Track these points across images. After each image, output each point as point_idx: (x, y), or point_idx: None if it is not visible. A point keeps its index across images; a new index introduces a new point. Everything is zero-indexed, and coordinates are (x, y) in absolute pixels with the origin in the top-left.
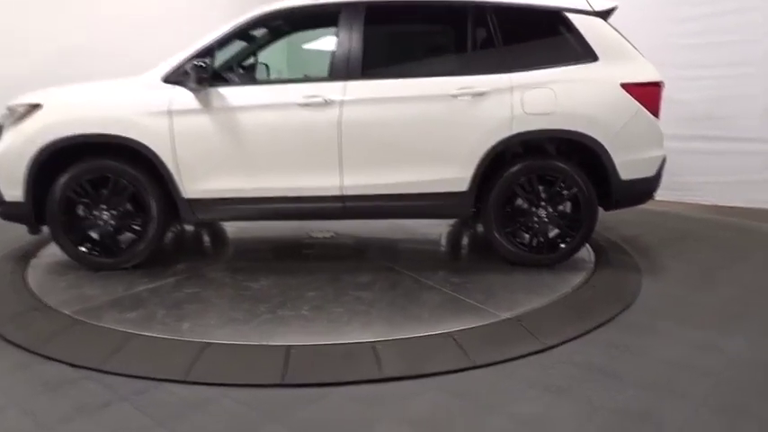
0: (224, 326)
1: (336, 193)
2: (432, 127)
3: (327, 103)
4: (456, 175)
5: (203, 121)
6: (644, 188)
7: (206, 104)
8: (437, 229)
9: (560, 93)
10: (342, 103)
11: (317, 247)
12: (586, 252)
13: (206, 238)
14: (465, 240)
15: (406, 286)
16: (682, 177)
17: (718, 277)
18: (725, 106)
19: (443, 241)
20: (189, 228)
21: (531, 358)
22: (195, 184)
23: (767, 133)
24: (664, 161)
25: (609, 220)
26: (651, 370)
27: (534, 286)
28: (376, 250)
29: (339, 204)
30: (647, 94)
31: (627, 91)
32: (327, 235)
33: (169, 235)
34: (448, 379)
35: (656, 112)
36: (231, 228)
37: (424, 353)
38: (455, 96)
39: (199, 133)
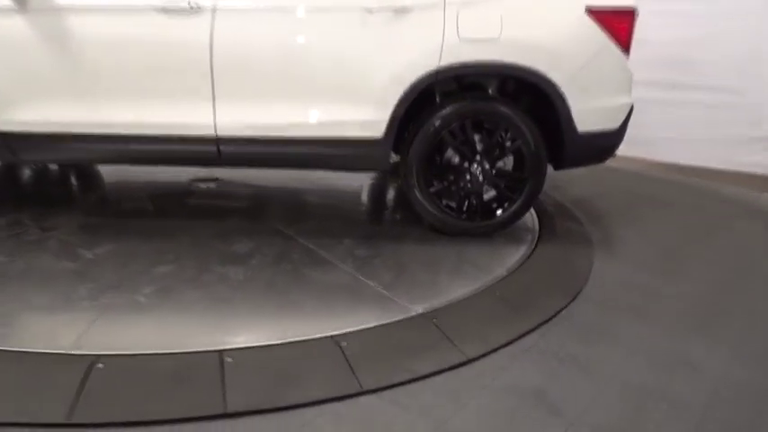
0: (10, 318)
1: (208, 133)
2: (333, 49)
3: (194, 9)
4: (368, 117)
5: (17, 26)
6: (604, 144)
7: (20, 2)
8: (359, 179)
9: (508, 14)
10: (214, 9)
11: (194, 199)
12: (529, 218)
13: (73, 182)
14: (389, 198)
15: (295, 260)
16: (641, 130)
17: (688, 256)
18: (696, 49)
19: (363, 198)
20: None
21: (443, 377)
22: (9, 111)
23: (745, 83)
24: (630, 111)
25: (557, 177)
26: (606, 400)
27: (460, 265)
28: (270, 206)
29: (212, 148)
30: (619, 25)
31: (594, 18)
32: (212, 185)
33: (27, 172)
34: (321, 412)
35: (626, 49)
36: (108, 169)
37: (292, 371)
38: (371, 11)
39: (11, 42)
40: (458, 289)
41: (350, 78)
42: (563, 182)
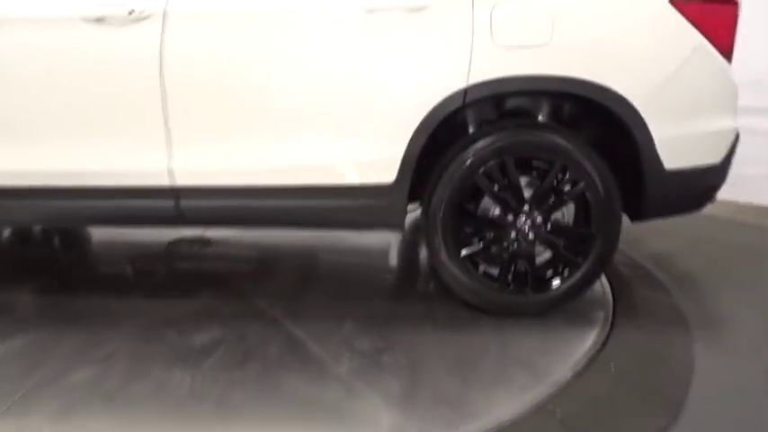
0: None
1: (161, 182)
2: (324, 65)
3: (138, 16)
4: (374, 157)
5: None
6: (702, 184)
7: None
8: (386, 235)
9: (562, 10)
10: (165, 14)
11: (168, 267)
12: (599, 288)
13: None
14: (423, 261)
15: (270, 358)
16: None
17: None
18: None
19: (389, 261)
20: None
21: None
22: None
23: None
24: (736, 139)
25: (629, 228)
26: None
27: (503, 363)
28: (264, 275)
29: (167, 203)
30: (717, 20)
31: (682, 12)
32: (197, 247)
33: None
34: None
35: (728, 53)
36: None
37: None
38: (371, 11)
39: None
40: (499, 406)
41: (348, 104)
42: (636, 233)
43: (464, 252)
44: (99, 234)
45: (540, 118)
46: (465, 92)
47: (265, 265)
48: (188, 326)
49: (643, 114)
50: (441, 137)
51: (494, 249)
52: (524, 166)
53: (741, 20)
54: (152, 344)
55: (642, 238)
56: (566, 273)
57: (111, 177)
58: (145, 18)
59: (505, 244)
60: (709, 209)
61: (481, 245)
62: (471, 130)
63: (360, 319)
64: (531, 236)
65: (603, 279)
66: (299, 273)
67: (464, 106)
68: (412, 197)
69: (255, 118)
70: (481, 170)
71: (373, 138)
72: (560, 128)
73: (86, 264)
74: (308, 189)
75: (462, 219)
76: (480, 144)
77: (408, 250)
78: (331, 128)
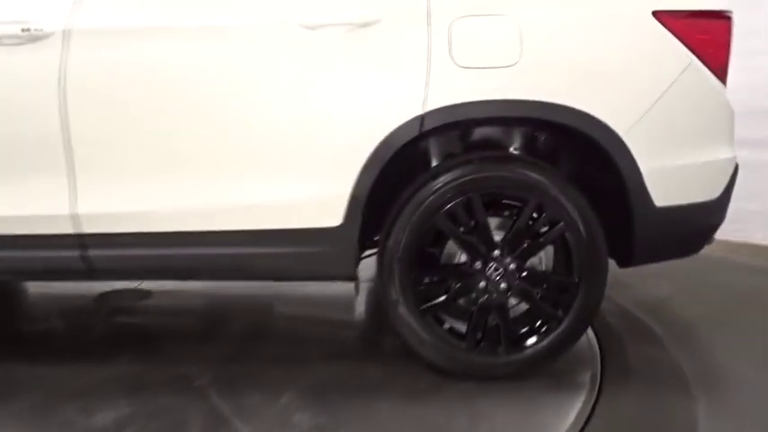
0: None
1: (63, 228)
2: (258, 91)
3: (33, 35)
4: (315, 195)
5: None
6: (698, 223)
7: None
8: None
9: (532, 26)
10: (67, 33)
11: (90, 325)
12: (584, 343)
13: None
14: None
15: None
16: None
17: None
18: None
19: (353, 312)
20: None
21: None
22: None
23: None
24: (735, 171)
25: (620, 271)
26: None
27: None
28: (200, 333)
29: (72, 253)
30: (707, 35)
31: (667, 26)
32: (130, 300)
33: None
34: None
35: (721, 72)
36: None
37: None
38: (311, 28)
39: None
40: None
41: (283, 136)
42: (625, 277)
43: (425, 306)
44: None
45: (512, 150)
46: (421, 119)
47: (207, 321)
48: (93, 400)
49: (628, 143)
50: (399, 172)
51: (460, 302)
52: (494, 206)
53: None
54: (44, 425)
55: (632, 282)
56: (545, 328)
57: (13, 223)
58: (43, 37)
59: (474, 295)
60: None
61: (445, 297)
62: (435, 164)
63: (303, 388)
64: (502, 286)
65: (590, 333)
66: (244, 330)
67: (422, 136)
68: (366, 243)
69: (174, 153)
70: (443, 210)
71: (314, 174)
72: (534, 161)
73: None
74: (238, 234)
75: (423, 266)
76: (441, 180)
77: (373, 301)
78: (264, 163)
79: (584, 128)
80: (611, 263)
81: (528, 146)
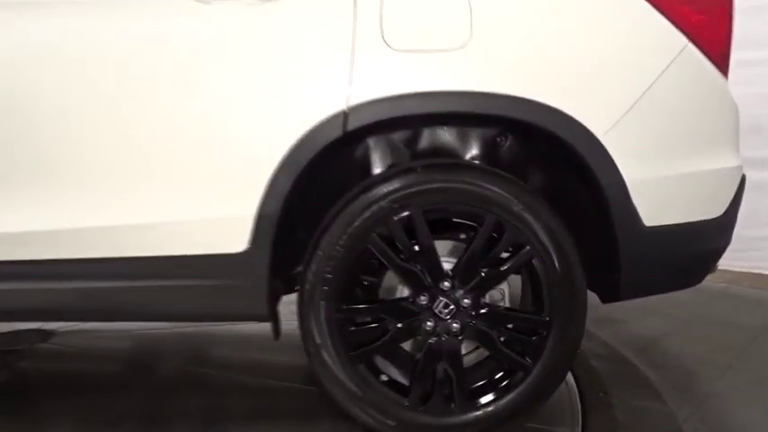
0: None
1: None
2: (134, 85)
3: None
4: (211, 214)
5: None
6: (698, 248)
7: None
8: None
9: (483, 1)
10: None
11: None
12: (563, 393)
13: None
14: None
15: None
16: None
17: None
18: None
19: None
20: None
21: None
22: None
23: None
24: (742, 183)
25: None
26: None
27: None
28: (98, 383)
29: None
30: (706, 16)
31: (655, 5)
32: (30, 342)
33: None
34: None
35: (721, 60)
36: None
37: None
38: (206, 2)
39: None
40: None
41: (167, 137)
42: (613, 311)
43: (355, 353)
44: None
45: (467, 156)
46: (344, 117)
47: (112, 372)
48: None
49: (608, 148)
50: (332, 186)
51: (402, 347)
52: (443, 226)
53: None
54: None
55: (620, 317)
56: (509, 380)
57: None
58: None
59: (419, 338)
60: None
61: (382, 340)
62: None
63: None
64: (454, 326)
65: (570, 380)
66: (154, 383)
67: (351, 139)
68: (288, 274)
69: (34, 161)
70: (376, 231)
71: (210, 186)
72: (492, 169)
73: None
74: (119, 264)
75: (354, 302)
76: (375, 193)
77: None
78: (145, 173)
79: (552, 127)
80: (593, 297)
81: (489, 155)
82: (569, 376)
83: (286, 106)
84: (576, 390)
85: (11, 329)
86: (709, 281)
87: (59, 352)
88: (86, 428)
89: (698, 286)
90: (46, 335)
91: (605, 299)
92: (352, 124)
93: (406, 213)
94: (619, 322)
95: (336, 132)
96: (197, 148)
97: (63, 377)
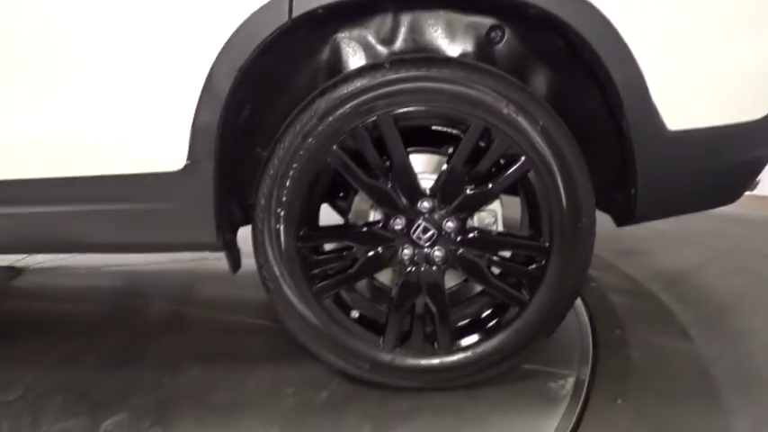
0: None
1: None
2: None
3: None
4: (144, 127)
5: None
6: (731, 157)
7: None
8: None
9: None
10: None
11: None
12: (574, 329)
13: None
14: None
15: None
16: None
17: None
18: None
19: None
20: None
21: None
22: None
23: None
24: None
25: (625, 232)
26: None
27: None
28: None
29: None
30: None
31: None
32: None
33: None
34: None
35: None
36: None
37: None
38: None
39: None
40: None
41: (74, 34)
42: (638, 242)
43: (320, 285)
44: None
45: (447, 54)
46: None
47: (88, 312)
48: None
49: (622, 33)
50: (291, 96)
51: (376, 280)
52: (420, 136)
53: None
54: None
55: (646, 249)
56: (500, 317)
57: None
58: None
59: (395, 269)
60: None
61: (349, 272)
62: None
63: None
64: (436, 254)
65: (582, 317)
66: (133, 322)
67: (307, 33)
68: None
69: None
70: (338, 141)
71: (134, 96)
72: (477, 63)
73: None
74: (39, 185)
75: (318, 231)
76: (332, 97)
77: None
78: (59, 83)
79: (554, 9)
80: (605, 219)
81: (482, 53)
82: (582, 312)
83: None
84: (588, 327)
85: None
86: (749, 209)
87: (30, 290)
88: (64, 369)
89: (737, 215)
90: (15, 272)
91: (619, 220)
92: (298, 9)
93: (372, 120)
94: (645, 254)
95: (280, 20)
96: (113, 48)
97: (37, 316)
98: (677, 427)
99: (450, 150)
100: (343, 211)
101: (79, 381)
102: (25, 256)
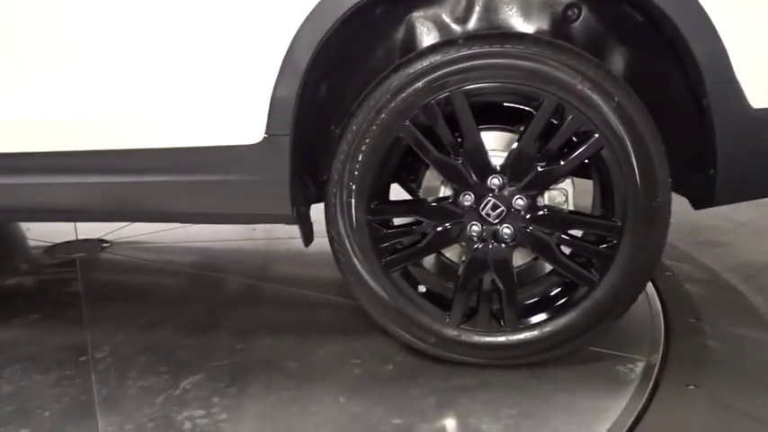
0: None
1: None
2: None
3: None
4: (223, 100)
5: None
6: None
7: None
8: None
9: None
10: None
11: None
12: (645, 317)
13: None
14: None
15: None
16: None
17: None
18: None
19: None
20: None
21: None
22: None
23: None
24: None
25: (702, 215)
26: None
27: None
28: (157, 290)
29: None
30: None
31: None
32: (83, 252)
33: None
34: None
35: None
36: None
37: None
38: None
39: None
40: None
41: (160, 23)
42: (720, 233)
43: (389, 258)
44: None
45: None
46: None
47: (171, 284)
48: None
49: (707, 8)
50: (367, 75)
51: (441, 256)
52: (491, 113)
53: None
54: None
55: (729, 240)
56: (568, 297)
57: None
58: None
59: (463, 245)
60: None
61: (419, 246)
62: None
63: (230, 360)
64: (505, 231)
65: (655, 303)
66: (213, 295)
67: (383, 13)
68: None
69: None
70: (409, 117)
71: (214, 71)
72: (550, 39)
73: None
74: (114, 156)
75: (389, 205)
76: (406, 72)
77: None
78: (141, 63)
79: None
80: (683, 208)
81: (559, 31)
82: (655, 299)
83: None
84: (660, 314)
85: (68, 240)
86: None
87: (119, 262)
88: (148, 333)
89: None
90: (103, 245)
91: (697, 203)
92: None
93: (444, 96)
94: (724, 245)
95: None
96: (195, 26)
97: (123, 285)
98: (751, 416)
99: (522, 128)
100: (413, 191)
101: (161, 344)
102: (116, 227)
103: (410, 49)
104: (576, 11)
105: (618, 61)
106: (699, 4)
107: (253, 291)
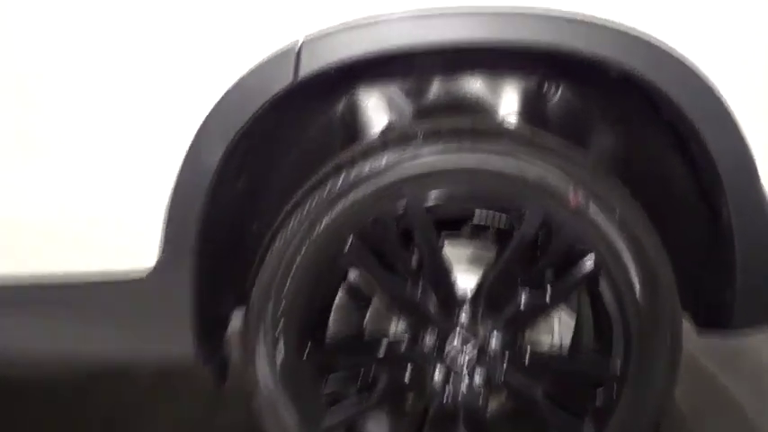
0: None
1: None
2: None
3: None
4: (102, 216)
5: None
6: None
7: None
8: None
9: None
10: None
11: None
12: None
13: None
14: None
15: None
16: None
17: None
18: None
19: None
20: None
21: None
22: None
23: None
24: None
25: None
26: None
27: None
28: None
29: None
30: None
31: None
32: None
33: None
34: None
35: None
36: None
37: None
38: None
39: None
40: None
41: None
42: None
43: (335, 423)
44: None
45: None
46: (297, 55)
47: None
48: None
49: (730, 105)
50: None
51: (404, 405)
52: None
53: None
54: None
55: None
56: None
57: None
58: None
59: (424, 392)
60: None
61: (368, 394)
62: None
63: None
64: (475, 380)
65: None
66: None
67: (305, 89)
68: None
69: None
70: (354, 234)
71: (96, 180)
72: (541, 137)
73: None
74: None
75: (323, 345)
76: (349, 177)
77: None
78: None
79: (637, 67)
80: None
81: (531, 111)
82: None
83: (199, 42)
84: None
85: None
86: None
87: None
88: None
89: None
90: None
91: (707, 324)
92: (306, 67)
93: (399, 207)
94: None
95: (285, 80)
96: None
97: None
98: None
99: (498, 248)
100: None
101: None
102: None
103: (352, 128)
104: (552, 87)
105: (602, 146)
106: (715, 92)
107: None
